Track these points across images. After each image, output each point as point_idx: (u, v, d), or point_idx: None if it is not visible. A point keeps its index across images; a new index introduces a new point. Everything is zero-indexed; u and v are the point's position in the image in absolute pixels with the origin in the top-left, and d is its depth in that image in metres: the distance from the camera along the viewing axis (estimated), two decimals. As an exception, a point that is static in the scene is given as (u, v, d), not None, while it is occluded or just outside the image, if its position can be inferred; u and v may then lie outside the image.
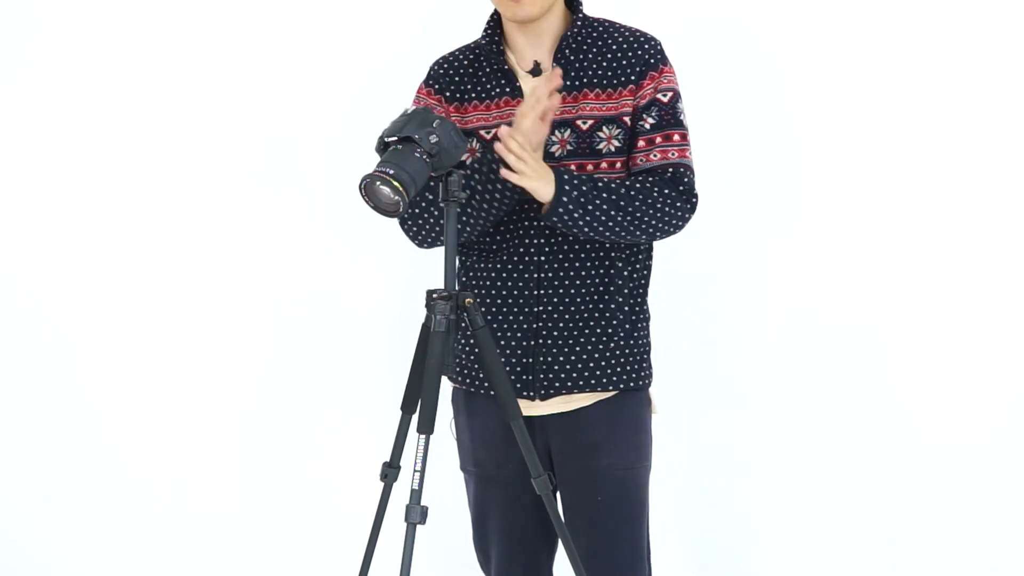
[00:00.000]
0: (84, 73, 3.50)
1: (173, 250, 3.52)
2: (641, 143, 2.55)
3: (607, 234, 2.49)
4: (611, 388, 2.59)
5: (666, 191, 2.51)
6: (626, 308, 2.59)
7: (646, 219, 2.49)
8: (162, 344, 3.55)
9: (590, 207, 2.45)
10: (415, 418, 2.42)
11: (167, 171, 3.50)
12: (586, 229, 2.48)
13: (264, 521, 3.57)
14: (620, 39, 2.57)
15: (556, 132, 2.54)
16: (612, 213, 2.47)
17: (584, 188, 2.45)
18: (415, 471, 2.35)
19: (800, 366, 3.38)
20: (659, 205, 2.50)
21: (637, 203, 2.48)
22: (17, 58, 3.52)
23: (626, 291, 2.60)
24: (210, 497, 3.57)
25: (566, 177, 2.45)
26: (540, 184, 2.42)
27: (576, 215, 2.45)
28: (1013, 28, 3.26)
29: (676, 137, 2.55)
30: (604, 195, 2.46)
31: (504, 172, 2.41)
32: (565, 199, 2.43)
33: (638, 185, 2.49)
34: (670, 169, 2.53)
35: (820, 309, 3.36)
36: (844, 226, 3.33)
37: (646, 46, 2.57)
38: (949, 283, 3.32)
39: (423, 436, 2.36)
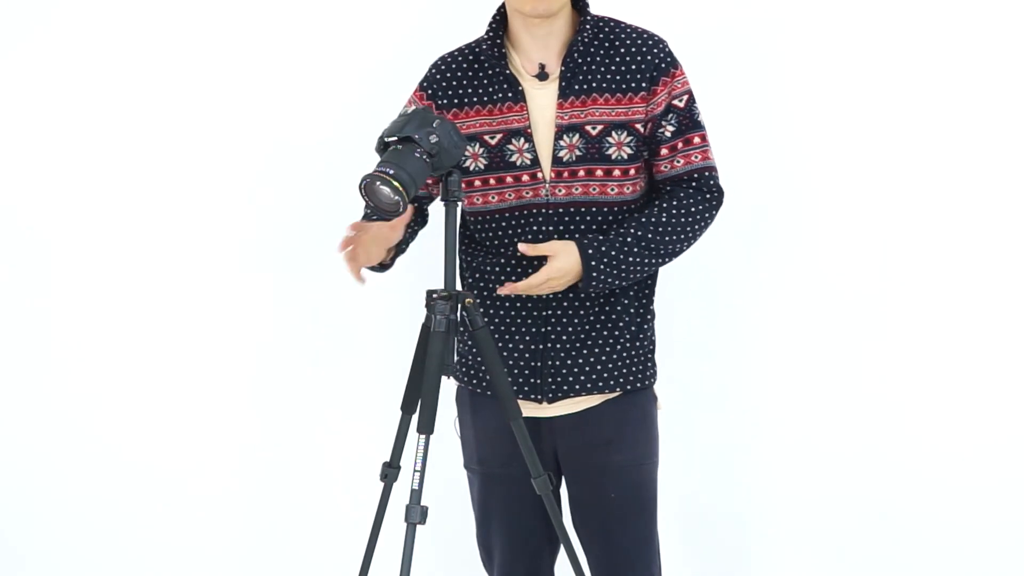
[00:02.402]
0: (86, 79, 3.49)
1: (174, 249, 3.52)
2: (664, 151, 2.55)
3: (647, 272, 2.55)
4: (617, 389, 2.60)
5: (691, 203, 2.53)
6: (631, 310, 2.60)
7: (680, 243, 2.54)
8: (163, 344, 3.54)
9: (623, 267, 2.49)
10: (415, 418, 2.42)
11: (170, 173, 3.50)
12: (626, 280, 2.52)
13: (264, 521, 3.57)
14: (628, 42, 2.55)
15: (565, 137, 2.52)
16: (646, 260, 2.51)
17: (612, 254, 2.48)
18: (415, 471, 2.35)
19: (802, 364, 3.37)
20: (688, 221, 2.53)
21: (668, 237, 2.51)
22: (19, 64, 3.52)
23: (631, 293, 2.60)
24: (210, 497, 3.56)
25: (590, 252, 2.47)
26: (570, 276, 2.49)
27: (611, 280, 2.50)
28: (1014, 26, 3.26)
29: (696, 140, 2.55)
30: (633, 249, 2.49)
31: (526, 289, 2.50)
32: (594, 273, 2.48)
33: (664, 216, 2.51)
34: (695, 174, 2.55)
35: (822, 307, 3.36)
36: (846, 224, 3.33)
37: (655, 50, 2.54)
38: (949, 281, 3.31)
39: (423, 436, 2.36)
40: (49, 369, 3.57)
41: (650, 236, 2.50)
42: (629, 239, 2.49)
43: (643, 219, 2.51)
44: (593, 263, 2.47)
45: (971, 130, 3.27)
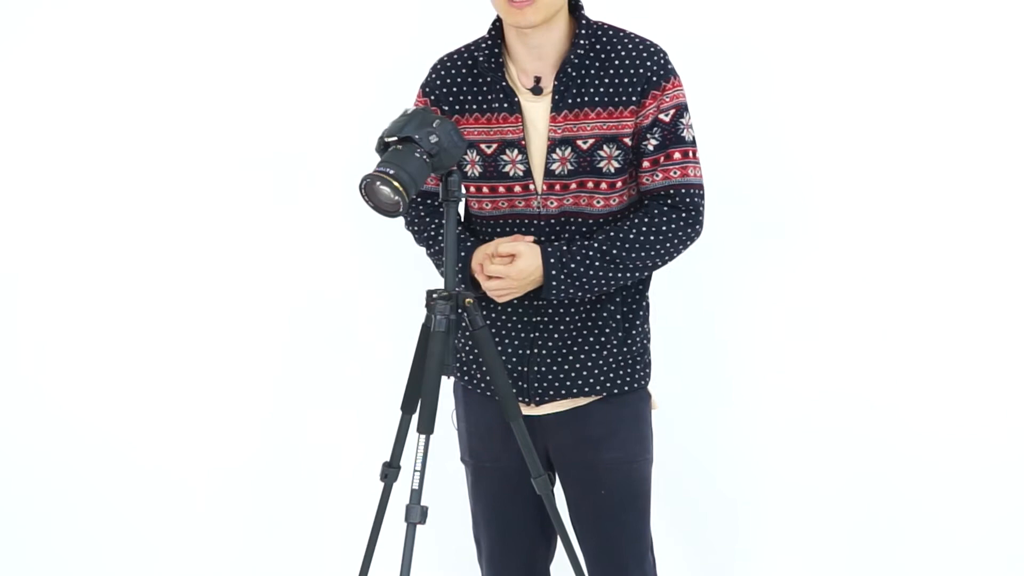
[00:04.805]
0: (92, 87, 3.49)
1: (176, 250, 3.52)
2: (645, 164, 2.52)
3: (614, 285, 2.52)
4: (604, 393, 2.59)
5: (663, 221, 2.49)
6: (619, 315, 2.58)
7: (647, 259, 2.50)
8: (162, 344, 3.55)
9: (583, 280, 2.48)
10: (415, 418, 2.42)
11: (173, 175, 3.50)
12: (589, 292, 2.51)
13: (264, 521, 3.57)
14: (623, 53, 2.51)
15: (557, 150, 2.51)
16: (610, 274, 2.49)
17: (572, 264, 2.47)
18: (415, 471, 2.35)
19: (799, 365, 3.38)
20: (657, 239, 2.50)
21: (634, 253, 2.49)
22: (23, 85, 3.52)
23: (619, 299, 2.59)
24: (210, 497, 3.57)
25: (552, 261, 2.47)
26: (529, 280, 2.48)
27: (572, 291, 2.49)
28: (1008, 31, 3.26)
29: (677, 155, 2.51)
30: (595, 263, 2.48)
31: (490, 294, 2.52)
32: (554, 283, 2.48)
33: (633, 233, 2.48)
34: (671, 190, 2.51)
35: (818, 306, 3.36)
36: (844, 227, 3.33)
37: (648, 62, 2.50)
38: (948, 287, 3.32)
39: (423, 436, 2.36)
40: (52, 369, 3.58)
41: (615, 252, 2.48)
42: (592, 252, 2.48)
43: (612, 233, 2.49)
44: (553, 272, 2.47)
45: (969, 134, 3.27)
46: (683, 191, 2.51)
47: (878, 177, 3.31)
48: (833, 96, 3.30)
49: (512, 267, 2.48)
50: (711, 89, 3.10)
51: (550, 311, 2.57)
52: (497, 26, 2.57)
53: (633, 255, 2.49)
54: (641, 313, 2.63)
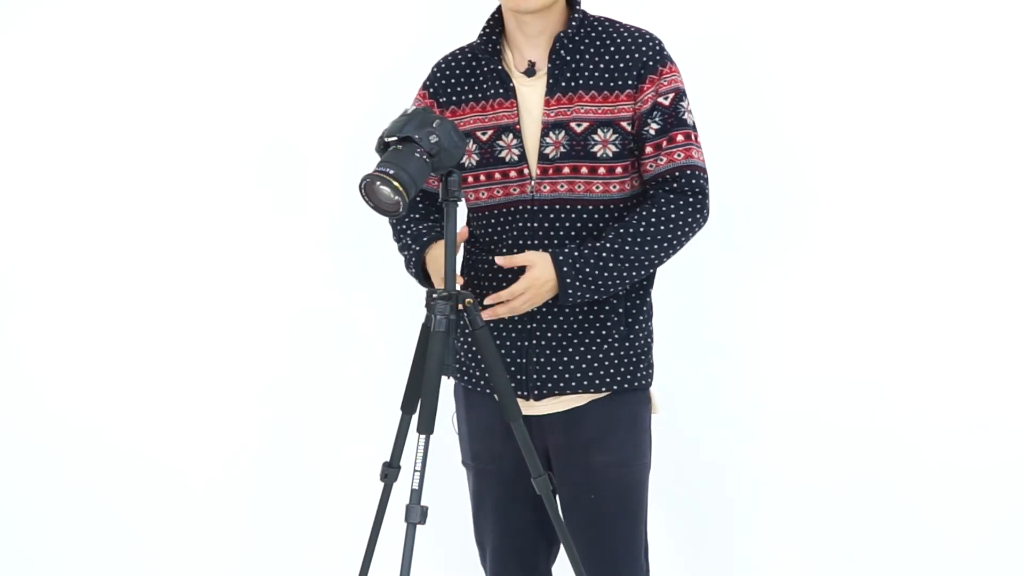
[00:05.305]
0: (92, 88, 3.49)
1: (178, 250, 3.53)
2: (649, 149, 2.52)
3: (630, 283, 2.51)
4: (604, 389, 2.58)
5: (671, 209, 2.49)
6: (621, 309, 2.58)
7: (660, 252, 2.50)
8: (164, 344, 3.55)
9: (599, 281, 2.47)
10: (415, 418, 2.42)
11: (174, 175, 3.51)
12: (607, 292, 2.50)
13: (265, 521, 3.57)
14: (619, 39, 2.54)
15: (551, 134, 2.52)
16: (624, 272, 2.48)
17: (587, 268, 2.46)
18: (415, 471, 2.35)
19: (800, 367, 3.38)
20: (668, 229, 2.49)
21: (646, 247, 2.48)
22: (22, 87, 3.52)
23: (621, 292, 2.59)
24: (210, 497, 3.57)
25: (565, 269, 2.46)
26: (548, 286, 2.48)
27: (589, 294, 2.48)
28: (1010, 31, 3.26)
29: (680, 138, 2.51)
30: (609, 263, 2.46)
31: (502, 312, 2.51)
32: (570, 289, 2.47)
33: (643, 226, 2.47)
34: (676, 173, 2.50)
35: (817, 306, 3.36)
36: (846, 228, 3.33)
37: (644, 48, 2.52)
38: (949, 286, 3.31)
39: (423, 436, 2.36)
40: (53, 372, 3.58)
41: (627, 248, 2.47)
42: (605, 253, 2.47)
43: (621, 230, 2.48)
44: (568, 279, 2.46)
45: (971, 133, 3.27)
46: (688, 173, 2.51)
47: (881, 178, 3.31)
48: (833, 97, 3.30)
49: (526, 276, 2.48)
50: (710, 89, 3.10)
51: (550, 303, 2.57)
52: (496, 17, 2.60)
53: (646, 248, 2.48)
54: (645, 309, 2.62)
